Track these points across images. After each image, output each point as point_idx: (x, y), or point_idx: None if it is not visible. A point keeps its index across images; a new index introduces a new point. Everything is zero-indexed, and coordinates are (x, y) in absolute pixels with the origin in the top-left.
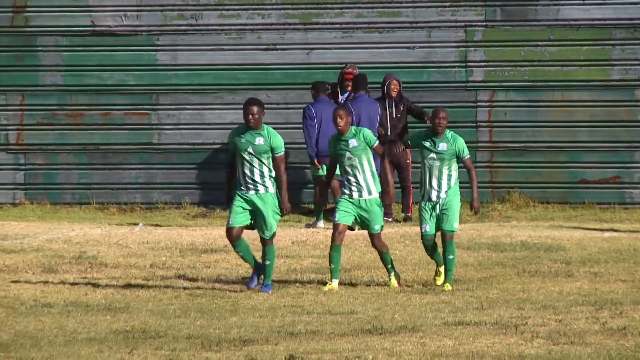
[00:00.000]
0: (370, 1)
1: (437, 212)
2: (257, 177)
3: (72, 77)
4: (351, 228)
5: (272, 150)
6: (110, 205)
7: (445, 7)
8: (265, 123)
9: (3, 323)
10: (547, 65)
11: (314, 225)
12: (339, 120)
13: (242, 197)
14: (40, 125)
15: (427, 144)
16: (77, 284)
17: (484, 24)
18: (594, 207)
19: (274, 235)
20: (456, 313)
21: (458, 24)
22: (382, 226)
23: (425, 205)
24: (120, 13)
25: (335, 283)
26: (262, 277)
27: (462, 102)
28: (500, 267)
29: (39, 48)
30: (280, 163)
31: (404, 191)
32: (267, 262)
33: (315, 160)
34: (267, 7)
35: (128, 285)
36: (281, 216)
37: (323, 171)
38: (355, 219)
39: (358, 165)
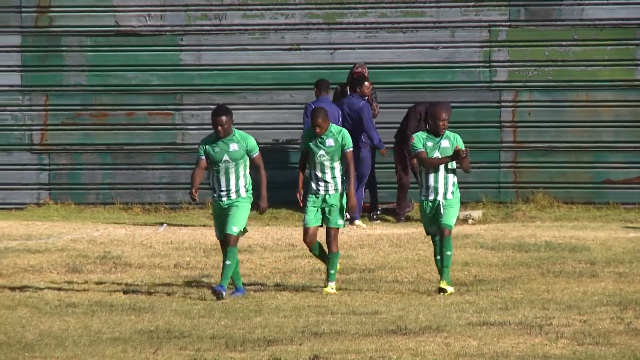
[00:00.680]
0: (394, 1)
1: (438, 209)
2: (232, 185)
3: (96, 77)
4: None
5: (248, 152)
6: (134, 205)
7: (469, 6)
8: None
9: (28, 323)
10: (571, 65)
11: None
12: (317, 128)
13: (221, 206)
14: (65, 125)
15: (430, 143)
16: (101, 283)
17: (508, 23)
18: (619, 208)
19: (239, 236)
20: (480, 313)
21: (482, 23)
22: (342, 224)
23: (425, 202)
24: (144, 13)
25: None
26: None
27: (486, 102)
28: (524, 267)
29: (63, 48)
30: (259, 163)
31: None
32: (227, 263)
33: None
34: (290, 7)
35: (152, 285)
36: (260, 213)
37: None
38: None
39: (328, 164)
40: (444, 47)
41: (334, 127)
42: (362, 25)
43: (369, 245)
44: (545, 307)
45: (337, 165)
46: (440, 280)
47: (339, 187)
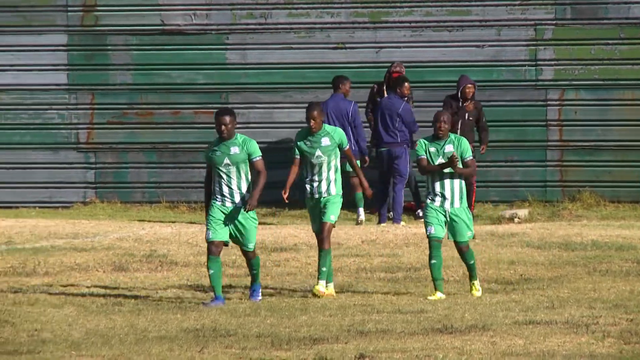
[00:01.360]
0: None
1: (447, 218)
2: (234, 189)
3: (142, 76)
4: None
5: (249, 156)
6: (180, 203)
7: (514, 5)
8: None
9: (74, 321)
10: (618, 64)
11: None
12: (312, 121)
13: (219, 210)
14: (111, 124)
15: (433, 149)
16: (147, 282)
17: (554, 22)
18: None
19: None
20: (527, 312)
21: (528, 22)
22: (335, 220)
23: (432, 205)
24: (190, 12)
25: (330, 287)
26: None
27: (532, 100)
28: (571, 266)
29: (109, 47)
30: (260, 168)
31: (467, 189)
32: (254, 272)
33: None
34: (336, 5)
35: (198, 284)
36: (247, 210)
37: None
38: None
39: (325, 165)
40: (489, 46)
41: (327, 127)
42: (408, 24)
43: (414, 244)
44: (591, 306)
45: (334, 166)
46: (471, 288)
47: (335, 190)
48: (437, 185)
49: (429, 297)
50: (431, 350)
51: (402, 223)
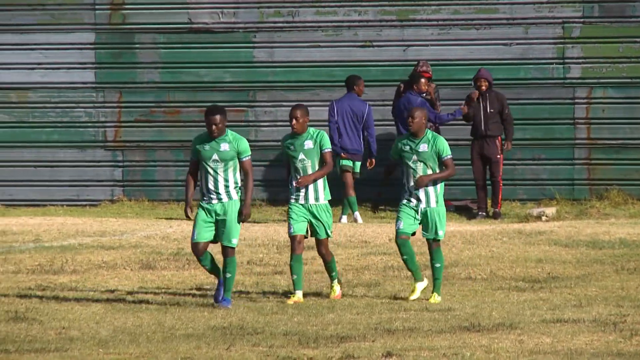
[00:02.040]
0: None
1: (419, 216)
2: (221, 187)
3: (170, 74)
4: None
5: (239, 155)
6: None
7: (542, 3)
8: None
9: (102, 319)
10: None
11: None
12: (294, 121)
13: (205, 210)
14: (138, 122)
15: (407, 147)
16: (174, 280)
17: (582, 20)
18: None
19: (234, 247)
20: (554, 310)
21: (555, 20)
22: (330, 234)
23: (406, 204)
24: (217, 10)
25: (299, 294)
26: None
27: (560, 99)
28: (598, 264)
29: (137, 45)
30: (248, 168)
31: (494, 186)
32: (228, 275)
33: (342, 154)
34: (363, 3)
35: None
36: (239, 222)
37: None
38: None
39: (309, 168)
40: (517, 44)
41: (312, 130)
42: (435, 22)
43: (442, 242)
44: (619, 304)
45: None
46: (432, 293)
47: (322, 195)
48: (411, 183)
49: (410, 297)
50: (458, 349)
51: None
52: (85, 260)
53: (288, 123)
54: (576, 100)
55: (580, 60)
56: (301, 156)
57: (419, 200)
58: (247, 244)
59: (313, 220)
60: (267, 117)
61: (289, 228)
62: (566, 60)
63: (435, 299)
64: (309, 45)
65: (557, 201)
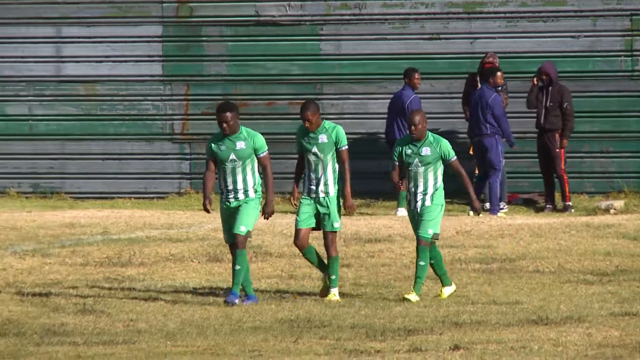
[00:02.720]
0: None
1: (417, 218)
2: (239, 185)
3: (237, 67)
4: (315, 228)
5: (256, 151)
6: (275, 194)
7: None
8: (426, 113)
9: (169, 312)
10: None
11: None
12: (307, 123)
13: (226, 208)
14: (205, 115)
15: (409, 151)
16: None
17: None
18: None
19: (247, 237)
20: (623, 304)
21: (624, 12)
22: (339, 227)
23: (412, 210)
24: (284, 3)
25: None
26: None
27: (628, 91)
28: None
29: (204, 38)
30: (267, 163)
31: (560, 180)
32: (237, 267)
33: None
34: None
35: (292, 275)
36: (266, 218)
37: None
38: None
39: (322, 162)
40: (585, 36)
41: (327, 123)
42: (503, 15)
43: (509, 235)
44: None
45: (331, 164)
46: (410, 291)
47: (333, 189)
48: (411, 186)
49: (405, 296)
50: (526, 342)
51: (500, 214)
52: (152, 252)
53: (355, 116)
54: None
55: None
56: (314, 149)
57: (415, 200)
58: (314, 237)
59: (322, 211)
60: (334, 109)
61: (296, 223)
62: (634, 53)
63: (414, 298)
64: (375, 37)
65: (625, 194)
